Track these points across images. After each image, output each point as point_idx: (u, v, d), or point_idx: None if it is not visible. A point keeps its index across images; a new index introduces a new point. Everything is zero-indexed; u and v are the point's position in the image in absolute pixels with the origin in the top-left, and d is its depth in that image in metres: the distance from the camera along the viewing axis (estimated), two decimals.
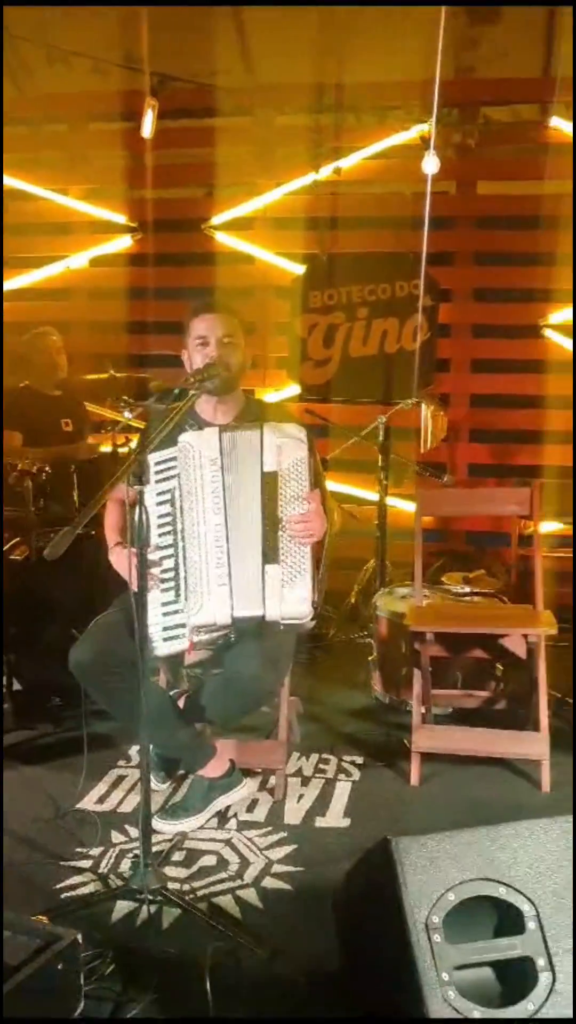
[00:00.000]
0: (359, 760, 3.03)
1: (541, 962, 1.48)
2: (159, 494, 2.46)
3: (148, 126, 4.65)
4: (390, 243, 4.99)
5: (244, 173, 5.13)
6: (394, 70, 4.92)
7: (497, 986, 1.53)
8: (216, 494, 2.44)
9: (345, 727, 3.36)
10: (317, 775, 2.91)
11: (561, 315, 4.83)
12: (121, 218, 5.26)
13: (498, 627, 3.04)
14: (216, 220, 5.15)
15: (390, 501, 4.43)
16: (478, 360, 5.08)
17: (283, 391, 5.19)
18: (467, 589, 3.76)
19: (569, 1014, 1.45)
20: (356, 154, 4.98)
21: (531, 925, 1.51)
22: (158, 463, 2.46)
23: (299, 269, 5.13)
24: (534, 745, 2.81)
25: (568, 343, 4.84)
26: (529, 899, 1.53)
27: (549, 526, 4.71)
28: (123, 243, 5.26)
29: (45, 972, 1.62)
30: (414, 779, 2.83)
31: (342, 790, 2.80)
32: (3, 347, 4.82)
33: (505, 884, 1.54)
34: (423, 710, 3.05)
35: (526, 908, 1.53)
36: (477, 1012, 1.44)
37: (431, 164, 3.37)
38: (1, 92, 4.93)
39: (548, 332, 4.85)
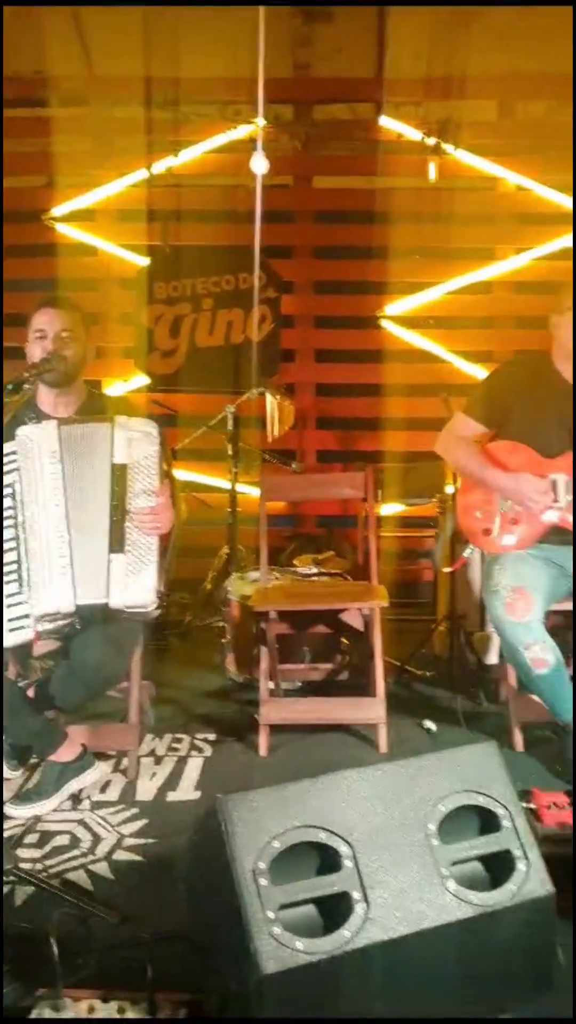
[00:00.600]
0: (211, 737, 3.16)
1: (356, 895, 1.65)
2: None
3: None
4: (233, 236, 5.12)
5: (83, 164, 5.13)
6: (233, 66, 5.05)
7: (320, 920, 1.69)
8: (56, 485, 2.50)
9: (200, 708, 3.49)
10: (170, 754, 3.02)
11: (397, 306, 5.09)
12: None
13: (334, 603, 3.24)
14: (57, 211, 5.13)
15: (240, 488, 4.56)
16: (321, 350, 5.29)
17: (130, 381, 5.24)
18: (315, 570, 3.94)
19: (383, 938, 1.63)
20: (194, 148, 5.07)
21: (348, 864, 1.68)
22: None
23: (143, 261, 5.18)
24: (371, 710, 3.01)
25: (404, 333, 5.11)
26: (346, 840, 1.70)
27: (392, 508, 4.97)
28: None
29: None
30: (263, 750, 2.99)
31: (194, 766, 2.93)
32: None
33: (325, 829, 1.70)
34: (271, 685, 3.21)
35: (343, 849, 1.69)
36: (300, 943, 1.59)
37: (259, 164, 3.49)
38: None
39: (385, 323, 5.11)
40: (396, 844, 1.72)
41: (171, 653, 4.21)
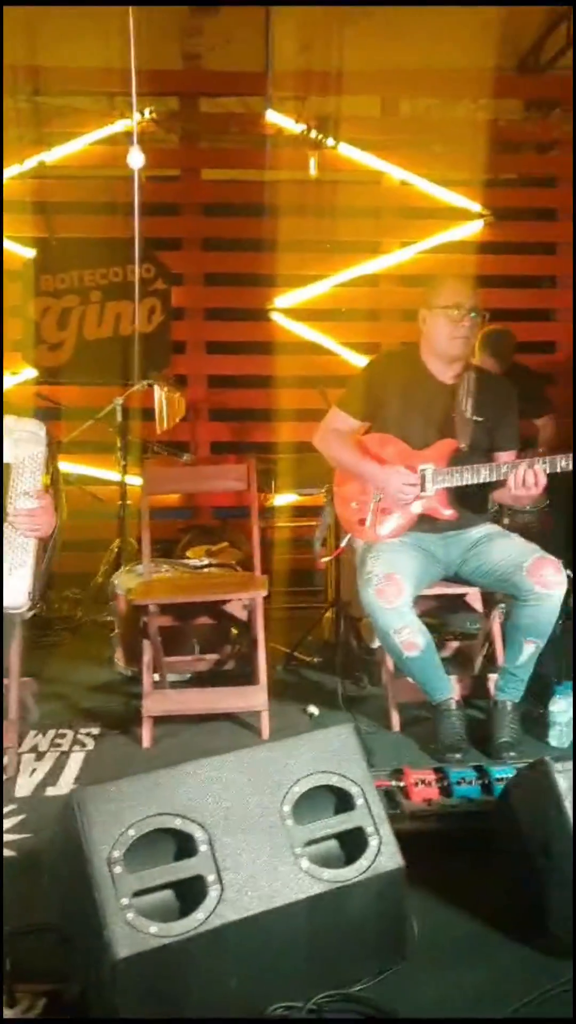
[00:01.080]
0: (95, 731, 3.17)
1: (211, 878, 1.70)
2: None
3: None
4: (121, 228, 5.08)
5: None
6: (118, 57, 4.99)
7: (176, 904, 1.74)
8: None
9: (86, 702, 3.49)
10: (52, 749, 3.02)
11: (286, 298, 5.15)
12: None
13: (214, 594, 3.28)
14: None
15: (131, 481, 4.57)
16: (213, 342, 5.31)
17: (19, 374, 5.16)
18: (206, 561, 3.98)
19: (235, 917, 1.69)
20: (78, 140, 5.02)
21: (203, 848, 1.73)
22: None
23: (29, 253, 5.10)
24: (254, 698, 3.07)
25: (293, 326, 5.18)
26: (201, 826, 1.74)
27: (286, 498, 5.04)
28: None
29: None
30: (146, 742, 3.02)
31: (75, 760, 2.93)
32: None
33: (180, 816, 1.74)
34: (156, 677, 3.24)
35: (199, 834, 1.74)
36: (153, 927, 1.63)
37: (136, 159, 3.49)
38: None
39: (275, 315, 5.16)
40: (251, 827, 1.78)
41: (61, 648, 4.19)
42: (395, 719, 3.12)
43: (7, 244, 5.11)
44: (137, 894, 1.66)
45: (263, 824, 1.79)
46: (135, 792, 1.75)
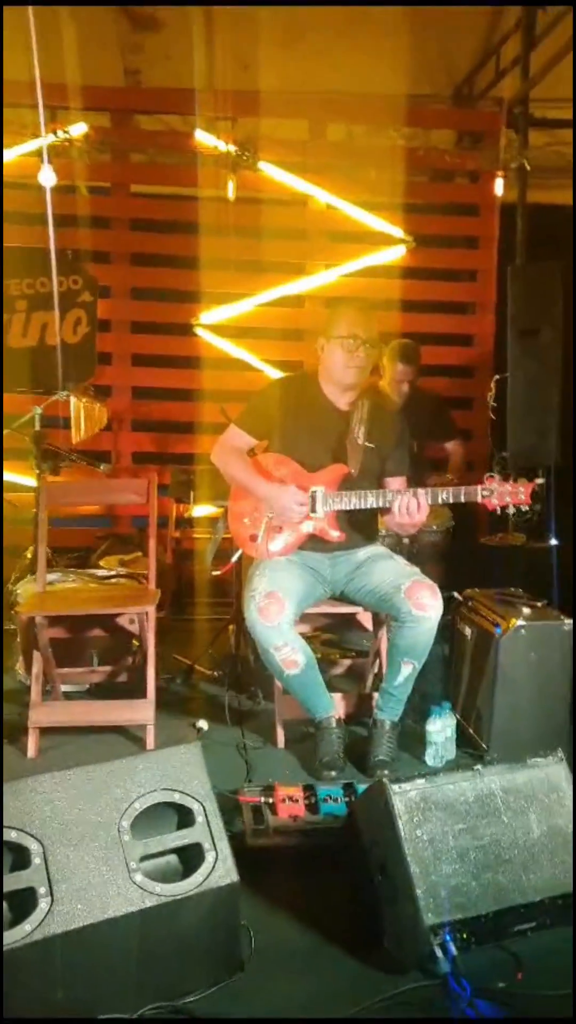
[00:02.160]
0: None
1: (42, 890, 1.75)
2: None
3: None
4: (47, 239, 5.10)
5: None
6: (56, 71, 5.03)
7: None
8: None
9: None
10: None
11: (210, 315, 5.22)
12: None
13: (105, 607, 3.32)
14: None
15: None
16: (138, 355, 5.36)
17: None
18: (113, 572, 4.01)
19: (64, 929, 1.73)
20: (11, 150, 5.03)
21: (36, 861, 1.77)
22: None
23: None
24: (140, 711, 3.11)
25: (217, 341, 5.25)
26: (37, 839, 1.79)
27: (204, 509, 5.10)
28: None
29: None
30: (31, 752, 3.04)
31: None
32: None
33: (16, 828, 1.79)
34: (46, 688, 3.27)
35: (34, 847, 1.78)
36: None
37: (47, 177, 3.52)
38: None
39: (199, 331, 5.23)
40: (88, 841, 1.83)
41: None
42: (280, 735, 3.19)
43: None
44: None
45: (100, 838, 1.84)
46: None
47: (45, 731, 3.13)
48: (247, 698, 3.62)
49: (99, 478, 4.49)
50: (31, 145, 5.08)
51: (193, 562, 5.13)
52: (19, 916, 1.73)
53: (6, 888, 1.75)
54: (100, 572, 4.01)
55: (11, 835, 1.79)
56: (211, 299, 5.20)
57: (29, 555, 4.68)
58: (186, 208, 5.16)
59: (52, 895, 1.75)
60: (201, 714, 3.41)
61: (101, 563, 4.44)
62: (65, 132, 4.88)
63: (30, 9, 3.23)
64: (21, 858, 1.79)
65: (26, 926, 1.71)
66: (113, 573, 3.98)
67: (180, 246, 5.19)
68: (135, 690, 3.51)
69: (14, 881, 1.76)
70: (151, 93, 5.27)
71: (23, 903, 1.75)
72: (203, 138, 5.08)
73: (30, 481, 4.96)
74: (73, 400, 4.42)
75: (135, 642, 3.71)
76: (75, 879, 1.78)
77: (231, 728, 3.31)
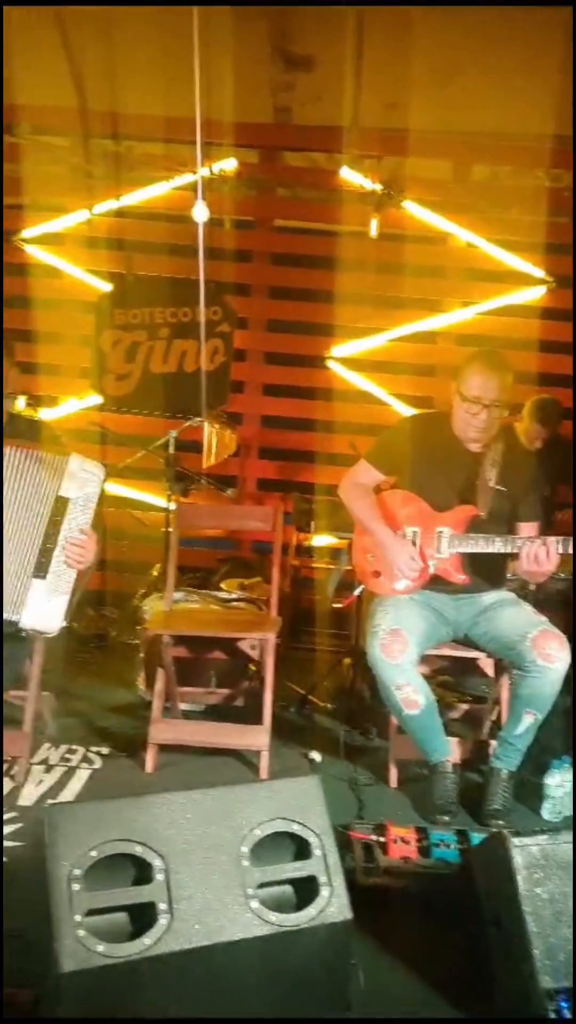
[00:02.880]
0: (105, 751, 3.30)
1: (163, 906, 1.80)
2: None
3: None
4: (193, 270, 5.29)
5: (55, 191, 5.33)
6: (214, 107, 5.23)
7: (128, 927, 1.84)
8: None
9: (103, 721, 3.63)
10: (61, 763, 3.16)
11: (343, 348, 5.29)
12: None
13: (226, 631, 3.39)
14: (27, 233, 5.32)
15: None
16: (269, 385, 5.48)
17: (84, 400, 5.42)
18: (234, 595, 4.10)
19: (180, 947, 1.78)
20: (159, 185, 5.26)
21: (159, 877, 1.83)
22: None
23: (106, 287, 5.37)
24: (256, 737, 3.16)
25: (348, 375, 5.31)
26: (159, 854, 1.85)
27: (324, 539, 5.14)
28: None
29: None
30: (149, 767, 3.13)
31: (81, 777, 3.07)
32: None
33: (141, 843, 1.85)
34: (166, 705, 3.36)
35: (157, 863, 1.84)
36: (101, 947, 1.74)
37: (200, 213, 3.66)
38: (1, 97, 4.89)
39: (331, 363, 5.31)
40: (208, 862, 1.87)
41: (92, 666, 4.35)
42: (393, 774, 3.17)
43: (86, 277, 5.39)
44: (91, 913, 1.78)
45: (220, 861, 1.88)
46: (103, 816, 1.87)
47: (160, 747, 3.21)
48: (360, 733, 3.62)
49: (225, 502, 4.59)
50: (183, 180, 5.31)
51: (311, 591, 5.17)
52: (139, 929, 1.79)
53: (130, 900, 1.81)
54: (221, 594, 4.10)
55: (136, 849, 1.85)
56: (345, 333, 5.27)
57: (155, 572, 4.84)
58: (326, 243, 5.26)
59: (172, 912, 1.80)
60: (314, 745, 3.44)
61: (222, 585, 4.54)
62: (219, 168, 5.07)
63: (195, 47, 3.38)
64: (144, 873, 1.84)
65: (146, 939, 1.76)
66: (234, 596, 4.06)
67: (318, 280, 5.28)
68: (249, 714, 3.56)
69: (136, 894, 1.82)
70: (299, 130, 5.41)
71: (144, 917, 1.80)
72: (348, 176, 5.18)
73: (160, 501, 5.14)
74: (207, 426, 4.56)
75: (251, 667, 3.77)
76: (195, 899, 1.82)
77: (343, 762, 3.31)
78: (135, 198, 5.27)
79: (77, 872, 1.78)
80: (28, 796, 2.89)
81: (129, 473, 4.84)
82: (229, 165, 5.26)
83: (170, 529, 4.69)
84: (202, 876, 1.85)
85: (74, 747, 3.31)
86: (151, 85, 5.23)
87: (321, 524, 5.02)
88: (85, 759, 3.22)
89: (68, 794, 2.93)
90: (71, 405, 5.37)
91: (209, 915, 1.81)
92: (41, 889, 1.85)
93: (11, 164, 5.25)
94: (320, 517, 5.03)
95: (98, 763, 3.20)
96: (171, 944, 1.77)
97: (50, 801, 2.87)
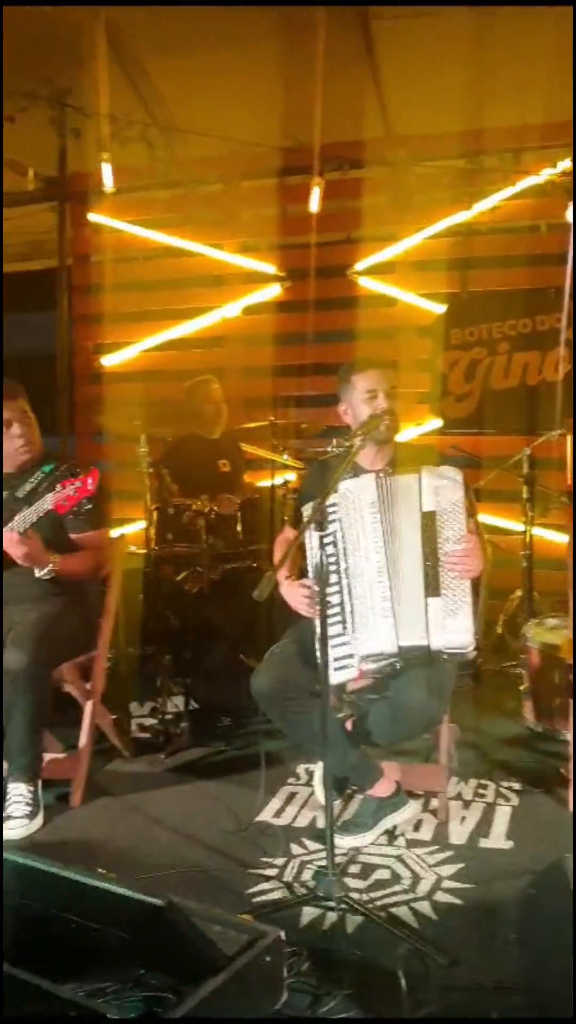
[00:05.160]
0: (516, 786, 3.15)
1: None
2: (323, 536, 2.55)
3: (315, 203, 5.03)
4: (530, 279, 5.11)
5: (384, 221, 5.37)
6: (531, 111, 5.03)
7: None
8: (376, 534, 2.65)
9: (500, 754, 3.48)
10: (477, 799, 3.05)
11: None
12: (271, 268, 5.58)
13: None
14: (360, 266, 5.41)
15: (536, 531, 4.52)
16: None
17: (424, 425, 5.38)
18: None
19: None
20: (495, 195, 5.13)
21: None
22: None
23: (440, 308, 5.32)
24: None
25: None
26: None
27: None
28: (273, 291, 5.59)
29: (255, 963, 1.84)
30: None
31: (502, 814, 2.94)
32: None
33: None
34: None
35: None
36: None
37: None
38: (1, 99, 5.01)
39: None
40: None
41: (465, 695, 4.23)
42: None
43: (419, 301, 5.37)
44: None
45: None
46: None
47: None
48: None
49: None
50: (510, 191, 5.14)
51: None
52: None
53: None
54: None
55: None
56: None
57: (515, 598, 4.65)
58: None
59: None
60: None
61: None
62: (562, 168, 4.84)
63: None
64: None
65: None
66: None
67: None
68: None
69: None
70: None
71: None
72: None
73: (511, 524, 4.94)
74: (570, 440, 4.31)
75: None
76: None
77: None
78: (475, 211, 5.17)
79: None
80: (457, 834, 2.80)
81: (480, 496, 4.69)
82: (564, 165, 5.00)
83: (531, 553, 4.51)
84: None
85: (484, 782, 3.19)
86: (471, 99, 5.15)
87: None
88: (500, 795, 3.09)
89: (497, 833, 2.81)
90: (410, 432, 5.35)
91: None
92: (540, 942, 1.73)
93: (343, 201, 5.37)
94: None
95: (514, 800, 3.05)
96: None
97: (483, 840, 2.76)
